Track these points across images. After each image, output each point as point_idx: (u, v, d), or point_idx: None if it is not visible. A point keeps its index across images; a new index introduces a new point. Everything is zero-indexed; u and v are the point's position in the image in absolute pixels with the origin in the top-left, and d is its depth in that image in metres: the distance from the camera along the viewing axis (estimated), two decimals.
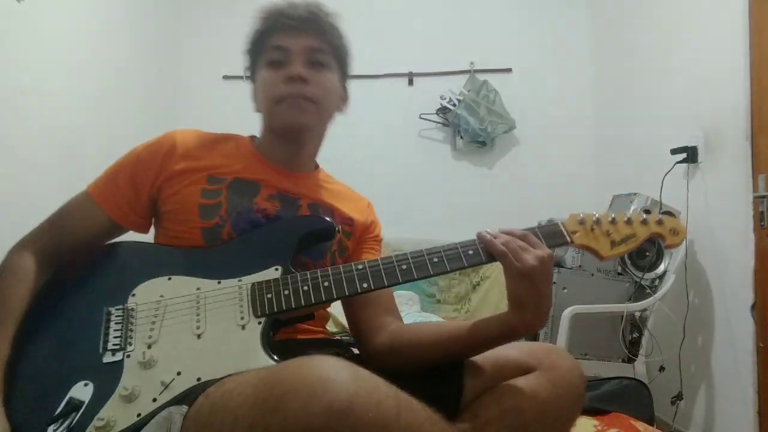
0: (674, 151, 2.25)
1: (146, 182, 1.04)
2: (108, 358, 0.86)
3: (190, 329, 0.88)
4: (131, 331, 0.89)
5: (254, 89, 1.13)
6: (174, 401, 0.78)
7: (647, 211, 0.98)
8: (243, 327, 0.88)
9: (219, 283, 0.93)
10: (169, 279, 0.94)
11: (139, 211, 1.06)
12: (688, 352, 2.18)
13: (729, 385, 2.04)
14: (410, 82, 3.33)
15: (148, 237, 1.09)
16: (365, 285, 0.91)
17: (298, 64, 1.05)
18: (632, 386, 2.05)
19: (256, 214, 1.02)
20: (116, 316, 0.90)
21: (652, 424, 1.91)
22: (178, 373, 0.83)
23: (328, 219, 1.04)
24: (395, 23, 3.32)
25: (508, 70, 3.29)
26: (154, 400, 0.80)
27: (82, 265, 0.99)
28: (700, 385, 2.19)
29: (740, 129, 1.97)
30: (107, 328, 0.89)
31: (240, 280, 0.93)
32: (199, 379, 0.81)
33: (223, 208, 1.01)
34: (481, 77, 3.26)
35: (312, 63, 1.06)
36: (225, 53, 3.28)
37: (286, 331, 0.96)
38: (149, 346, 0.86)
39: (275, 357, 0.84)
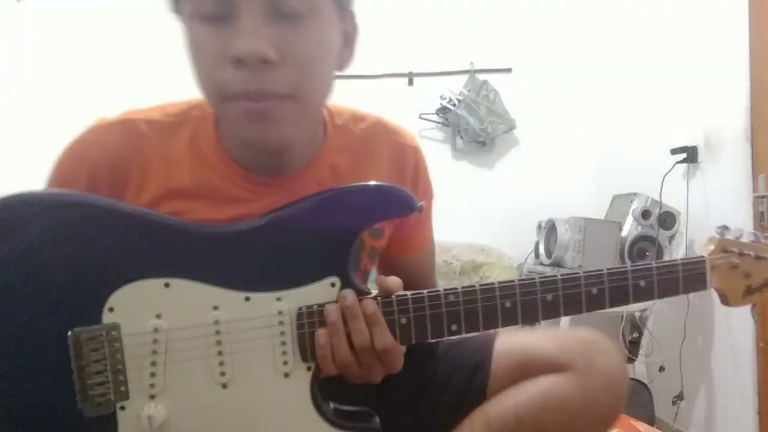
0: (674, 151, 2.25)
1: None
2: (92, 411, 0.62)
3: (211, 376, 0.64)
4: (119, 371, 0.62)
5: (186, 44, 0.68)
6: None
7: None
8: (286, 375, 0.66)
9: (247, 300, 0.65)
10: (167, 285, 0.64)
11: None
12: (688, 352, 2.18)
13: (729, 385, 2.04)
14: (410, 82, 3.32)
15: None
16: (454, 328, 0.68)
17: (251, 25, 0.60)
18: (632, 386, 2.05)
19: None
20: (91, 348, 0.62)
21: (652, 424, 1.91)
22: None
23: (401, 188, 0.71)
24: (395, 23, 3.32)
25: (508, 70, 3.29)
26: None
27: (20, 244, 0.62)
28: (700, 385, 2.19)
29: (740, 129, 1.96)
30: (80, 362, 0.61)
31: (279, 299, 0.66)
32: None
33: None
34: (481, 77, 3.25)
35: (277, 12, 0.62)
36: None
37: None
38: (152, 397, 0.63)
39: (330, 413, 0.67)
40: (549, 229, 2.41)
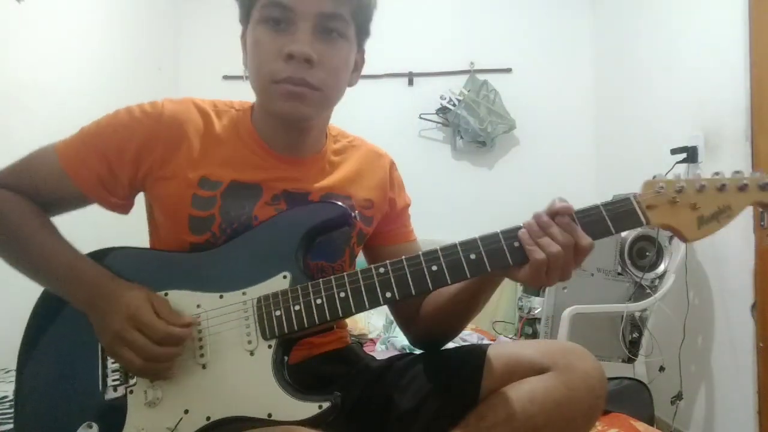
0: (674, 151, 2.25)
1: (124, 171, 0.88)
2: (110, 395, 0.80)
3: (194, 359, 0.80)
4: None
5: (245, 46, 0.91)
6: None
7: (738, 172, 0.79)
8: (251, 353, 0.79)
9: (221, 297, 0.83)
10: (166, 294, 0.84)
11: (117, 192, 0.90)
12: (688, 352, 2.18)
13: (729, 385, 2.04)
14: (410, 82, 3.32)
15: (138, 233, 0.99)
16: (388, 295, 0.79)
17: (305, 36, 0.83)
18: (632, 386, 2.05)
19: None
20: None
21: (652, 424, 1.91)
22: (186, 412, 0.78)
23: (338, 204, 0.88)
24: (395, 23, 3.32)
25: (508, 70, 3.29)
26: None
27: None
28: (700, 385, 2.19)
29: (740, 129, 1.97)
30: (104, 358, 0.82)
31: (244, 293, 0.82)
32: (208, 418, 0.77)
33: (216, 222, 0.88)
34: (481, 77, 3.25)
35: (322, 30, 0.85)
36: (225, 53, 3.28)
37: (301, 346, 0.88)
38: (151, 380, 0.79)
39: (290, 387, 0.78)
40: None
